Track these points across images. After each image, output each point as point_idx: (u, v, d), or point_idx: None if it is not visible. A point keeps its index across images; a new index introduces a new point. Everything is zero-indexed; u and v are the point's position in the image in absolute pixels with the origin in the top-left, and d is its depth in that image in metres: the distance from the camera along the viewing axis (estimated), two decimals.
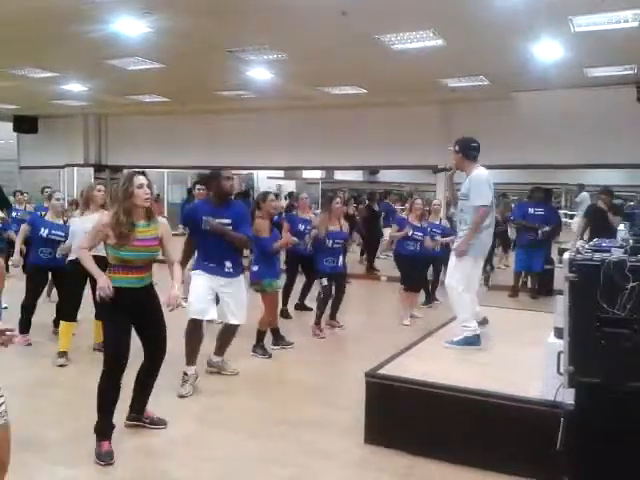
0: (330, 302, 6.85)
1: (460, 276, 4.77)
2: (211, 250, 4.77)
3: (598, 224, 8.28)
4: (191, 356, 4.78)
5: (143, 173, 3.69)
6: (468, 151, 4.81)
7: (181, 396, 4.57)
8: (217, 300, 4.98)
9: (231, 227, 4.78)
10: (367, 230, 11.96)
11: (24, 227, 6.37)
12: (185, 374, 4.71)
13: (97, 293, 3.48)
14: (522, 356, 4.29)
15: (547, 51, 7.77)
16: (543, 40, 7.36)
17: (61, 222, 6.06)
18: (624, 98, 9.14)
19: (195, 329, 4.80)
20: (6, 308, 6.35)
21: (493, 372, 4.05)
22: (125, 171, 3.96)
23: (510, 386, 3.62)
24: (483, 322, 5.02)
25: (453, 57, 8.19)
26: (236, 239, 4.78)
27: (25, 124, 15.31)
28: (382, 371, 3.99)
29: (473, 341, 4.69)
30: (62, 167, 15.44)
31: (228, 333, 5.10)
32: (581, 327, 2.79)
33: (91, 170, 15.02)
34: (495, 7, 6.09)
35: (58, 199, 6.23)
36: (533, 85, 9.63)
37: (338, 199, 6.84)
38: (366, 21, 6.77)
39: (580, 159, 10.53)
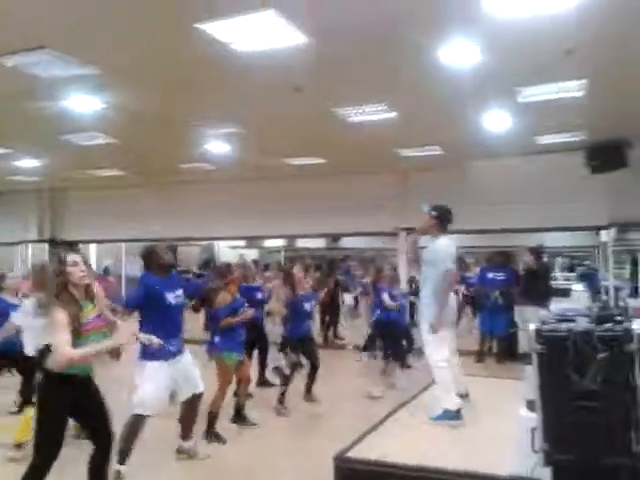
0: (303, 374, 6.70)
1: (429, 346, 4.78)
2: (172, 327, 4.54)
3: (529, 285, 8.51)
4: (127, 454, 4.34)
5: (77, 251, 3.60)
6: (444, 220, 4.96)
7: None
8: None
9: (182, 299, 4.74)
10: (331, 299, 11.85)
11: None
12: (119, 472, 4.25)
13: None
14: (494, 429, 4.19)
15: (496, 121, 8.03)
16: (492, 110, 7.61)
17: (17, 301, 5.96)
18: (573, 163, 9.46)
19: (141, 425, 4.42)
20: None
21: (467, 448, 3.92)
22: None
23: (485, 463, 3.49)
24: (463, 396, 4.92)
25: (407, 128, 8.37)
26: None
27: None
28: (352, 453, 3.81)
29: (453, 416, 4.55)
30: (17, 244, 15.02)
31: (193, 406, 4.81)
32: (553, 401, 2.70)
33: (46, 245, 14.63)
34: (444, 80, 6.24)
35: (13, 278, 6.34)
36: (485, 153, 9.92)
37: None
38: (320, 96, 6.89)
39: (533, 223, 10.73)
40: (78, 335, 3.33)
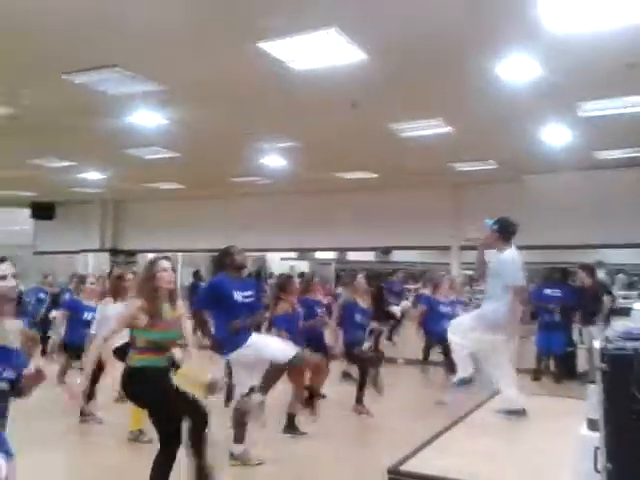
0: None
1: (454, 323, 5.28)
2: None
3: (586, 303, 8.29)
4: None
5: (167, 258, 3.87)
6: (506, 232, 5.02)
7: None
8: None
9: (253, 299, 4.97)
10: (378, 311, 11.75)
11: (64, 312, 6.62)
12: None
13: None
14: (552, 447, 4.08)
15: (555, 135, 7.91)
16: (550, 125, 7.51)
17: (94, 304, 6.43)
18: (634, 178, 9.22)
19: (280, 372, 5.03)
20: None
21: (523, 465, 3.86)
22: (150, 256, 4.11)
23: None
24: (521, 412, 4.91)
25: (462, 143, 8.35)
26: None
27: (42, 211, 15.54)
28: (406, 467, 3.79)
29: (467, 381, 5.00)
30: (78, 252, 15.61)
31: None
32: (617, 421, 2.64)
33: (107, 255, 15.16)
34: (502, 94, 6.23)
35: (92, 283, 6.79)
36: (542, 168, 9.77)
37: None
38: (376, 111, 6.97)
39: (590, 239, 10.49)
40: (151, 328, 3.61)
